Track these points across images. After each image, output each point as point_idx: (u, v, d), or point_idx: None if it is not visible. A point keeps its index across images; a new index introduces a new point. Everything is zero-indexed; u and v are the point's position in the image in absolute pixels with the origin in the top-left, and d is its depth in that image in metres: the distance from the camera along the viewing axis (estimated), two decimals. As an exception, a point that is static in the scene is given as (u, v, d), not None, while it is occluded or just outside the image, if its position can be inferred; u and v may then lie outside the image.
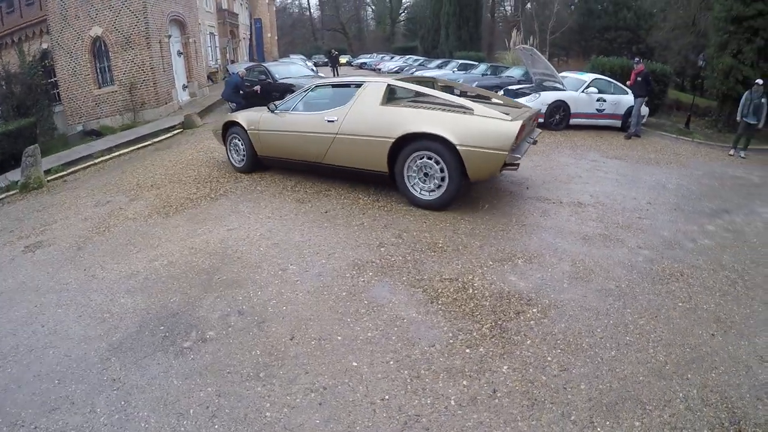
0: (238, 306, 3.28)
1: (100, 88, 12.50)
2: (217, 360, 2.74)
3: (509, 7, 40.02)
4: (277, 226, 4.59)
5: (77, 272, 3.95)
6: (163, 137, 10.23)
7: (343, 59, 31.17)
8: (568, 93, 10.07)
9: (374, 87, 5.13)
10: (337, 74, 22.32)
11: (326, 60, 31.74)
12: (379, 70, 28.39)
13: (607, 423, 2.26)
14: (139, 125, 11.61)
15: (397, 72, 24.13)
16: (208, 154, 7.82)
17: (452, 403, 2.38)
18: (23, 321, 3.26)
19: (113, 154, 8.99)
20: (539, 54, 10.43)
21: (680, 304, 3.44)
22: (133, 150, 9.33)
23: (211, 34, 22.55)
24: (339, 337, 2.91)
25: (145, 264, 3.95)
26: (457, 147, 4.45)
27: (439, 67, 21.47)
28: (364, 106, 5.06)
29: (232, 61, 26.88)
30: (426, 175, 4.79)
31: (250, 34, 35.91)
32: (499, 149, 4.39)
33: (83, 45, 12.04)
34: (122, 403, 2.44)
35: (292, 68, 13.39)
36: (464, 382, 2.52)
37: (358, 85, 5.29)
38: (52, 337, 3.04)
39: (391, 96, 5.16)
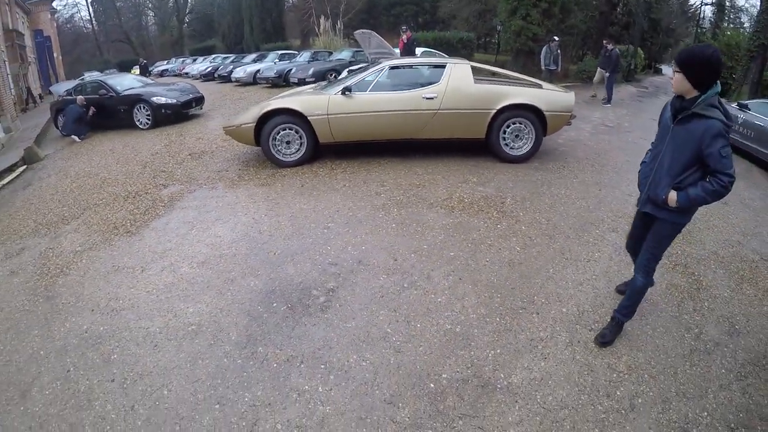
0: (324, 261, 3.80)
1: None
2: (360, 295, 3.33)
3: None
4: (272, 207, 4.99)
5: (95, 317, 3.42)
6: (10, 178, 8.94)
7: (137, 70, 28.88)
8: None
9: (461, 67, 5.99)
10: None
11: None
12: (187, 74, 26.93)
13: (584, 236, 4.22)
14: (-38, 172, 9.75)
15: (211, 73, 23.23)
16: (95, 177, 7.15)
17: (518, 249, 3.97)
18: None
19: (-41, 209, 7.64)
20: (376, 35, 11.73)
21: (573, 180, 5.65)
22: None
23: (3, 60, 18.83)
24: (425, 246, 4.03)
25: (168, 276, 3.76)
26: (545, 113, 5.86)
27: (256, 60, 21.21)
28: (460, 83, 5.85)
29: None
30: (517, 136, 6.04)
31: (38, 56, 30.63)
32: (567, 111, 6.07)
33: None
34: (321, 366, 2.71)
35: (127, 79, 12.36)
36: (514, 239, 4.12)
37: (440, 66, 6.06)
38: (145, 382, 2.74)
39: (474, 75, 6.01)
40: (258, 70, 17.41)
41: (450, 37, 19.65)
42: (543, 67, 12.64)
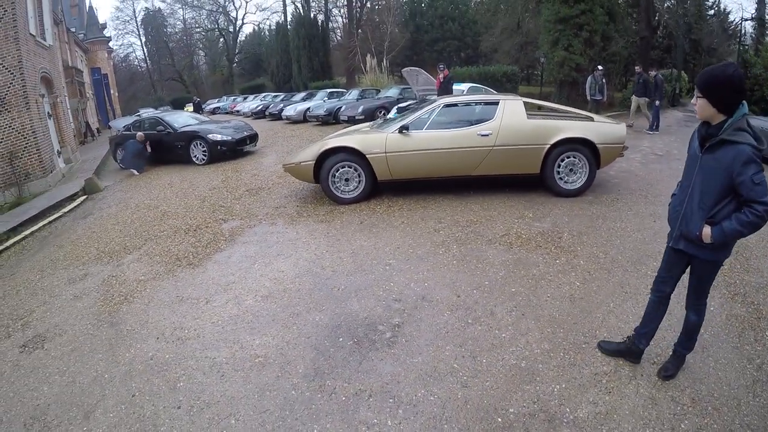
0: (388, 297, 3.89)
1: (-30, 164, 10.70)
2: (425, 331, 3.40)
3: (339, 34, 42.52)
4: (333, 243, 5.17)
5: (161, 345, 3.53)
6: (71, 207, 9.40)
7: (190, 107, 30.47)
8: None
9: (513, 103, 6.09)
10: None
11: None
12: (238, 112, 28.16)
13: (642, 269, 4.15)
14: (29, 200, 10.29)
15: (261, 111, 24.20)
16: (155, 209, 7.49)
17: (577, 284, 3.98)
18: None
19: (23, 234, 8.03)
20: (424, 72, 11.98)
21: (628, 212, 5.64)
22: (45, 225, 8.44)
23: (63, 95, 20.46)
24: (486, 282, 4.10)
25: (233, 308, 3.90)
26: (597, 145, 5.90)
27: (305, 99, 22.08)
28: (514, 119, 5.95)
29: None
30: (571, 170, 6.06)
31: (95, 92, 33.05)
32: (620, 143, 6.08)
33: (-55, 114, 10.26)
34: (390, 401, 2.74)
35: (182, 116, 12.95)
36: (573, 274, 4.14)
37: (493, 103, 6.18)
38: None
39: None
40: (308, 108, 18.05)
41: (494, 71, 19.93)
42: (588, 98, 12.55)
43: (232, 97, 35.54)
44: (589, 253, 4.53)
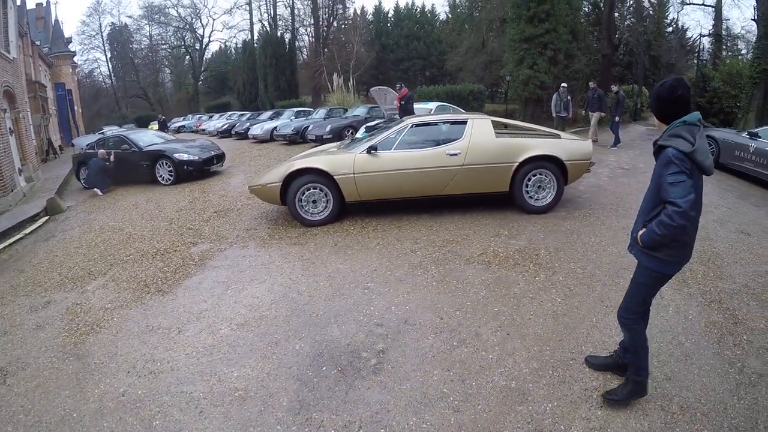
0: (369, 322, 3.79)
1: (-73, 182, 10.01)
2: (411, 356, 3.32)
3: (306, 53, 42.59)
4: (308, 267, 5.01)
5: (132, 379, 3.34)
6: (32, 228, 8.92)
7: (154, 125, 29.81)
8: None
9: (482, 122, 6.13)
10: None
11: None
12: (203, 130, 27.72)
13: (620, 282, 4.18)
14: (-14, 220, 9.78)
15: (227, 129, 23.89)
16: (120, 231, 7.20)
17: (559, 300, 4.00)
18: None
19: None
20: (392, 91, 12.09)
21: (601, 226, 5.75)
22: (5, 247, 7.89)
23: (26, 111, 19.56)
24: (468, 303, 4.06)
25: (208, 338, 3.73)
26: (565, 162, 6.00)
27: (272, 118, 21.82)
28: (482, 139, 5.98)
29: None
30: (539, 187, 6.13)
31: (58, 108, 31.85)
32: (586, 159, 6.20)
33: None
34: (381, 431, 2.63)
35: (148, 135, 12.53)
36: (554, 290, 4.17)
37: (461, 122, 6.20)
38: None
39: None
40: (275, 128, 17.89)
41: (461, 90, 20.29)
42: (554, 114, 12.90)
43: (198, 116, 34.99)
44: (567, 269, 4.58)
